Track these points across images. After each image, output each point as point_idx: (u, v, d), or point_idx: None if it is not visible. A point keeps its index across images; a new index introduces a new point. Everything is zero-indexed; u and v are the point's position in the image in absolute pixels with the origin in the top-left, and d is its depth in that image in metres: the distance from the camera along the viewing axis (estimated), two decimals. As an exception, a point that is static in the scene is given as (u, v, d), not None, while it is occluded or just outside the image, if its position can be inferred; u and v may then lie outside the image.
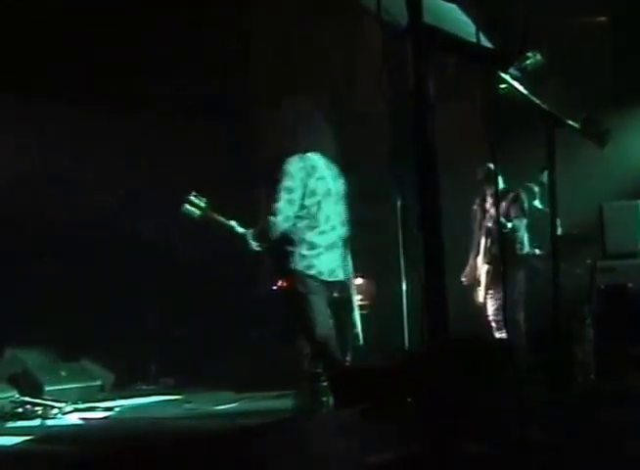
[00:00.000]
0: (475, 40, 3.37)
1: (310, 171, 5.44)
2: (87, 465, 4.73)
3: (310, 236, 5.48)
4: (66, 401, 6.78)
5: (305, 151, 5.47)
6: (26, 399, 6.69)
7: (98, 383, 7.64)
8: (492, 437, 4.12)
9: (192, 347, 8.36)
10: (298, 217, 5.44)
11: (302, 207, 5.43)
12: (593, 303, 6.75)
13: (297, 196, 5.39)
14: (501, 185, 7.22)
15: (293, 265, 5.46)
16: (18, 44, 7.61)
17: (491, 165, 7.10)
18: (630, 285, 6.76)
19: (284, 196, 5.36)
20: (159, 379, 8.49)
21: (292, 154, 5.43)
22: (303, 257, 5.46)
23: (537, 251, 7.45)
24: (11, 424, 6.32)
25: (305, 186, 5.40)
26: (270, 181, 5.61)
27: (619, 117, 7.93)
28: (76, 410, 6.73)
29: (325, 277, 5.55)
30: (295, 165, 5.41)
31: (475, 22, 3.49)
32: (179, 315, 8.58)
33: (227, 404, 7.01)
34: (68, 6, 7.78)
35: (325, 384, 5.75)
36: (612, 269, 7.03)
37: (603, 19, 8.75)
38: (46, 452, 5.20)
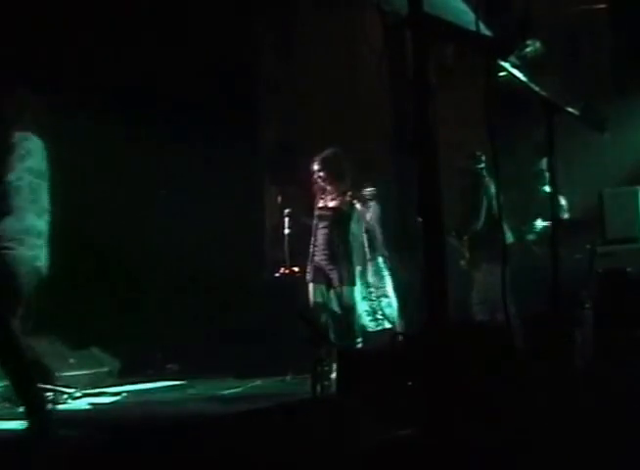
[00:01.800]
0: (474, 29, 3.43)
1: (41, 155, 4.98)
2: (96, 448, 4.84)
3: (39, 224, 4.95)
4: (75, 387, 6.86)
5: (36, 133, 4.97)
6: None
7: (106, 369, 7.73)
8: (491, 421, 4.19)
9: (196, 333, 8.43)
10: (33, 202, 4.87)
11: (32, 190, 4.86)
12: (593, 287, 6.83)
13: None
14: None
15: (19, 253, 4.83)
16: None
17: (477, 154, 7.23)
18: (629, 269, 6.83)
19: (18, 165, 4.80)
20: (164, 365, 8.59)
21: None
22: (32, 246, 4.90)
23: (532, 236, 7.56)
24: (22, 409, 6.38)
25: (30, 167, 4.87)
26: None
27: (619, 103, 7.98)
28: (86, 395, 6.83)
29: (43, 272, 5.02)
30: (34, 143, 4.93)
31: (474, 10, 3.54)
32: (183, 303, 8.65)
33: (230, 389, 7.10)
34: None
35: (327, 368, 5.83)
36: (611, 254, 7.11)
37: (602, 6, 8.78)
38: (56, 436, 5.26)
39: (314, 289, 6.90)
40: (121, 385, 7.38)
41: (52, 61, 7.94)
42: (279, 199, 8.70)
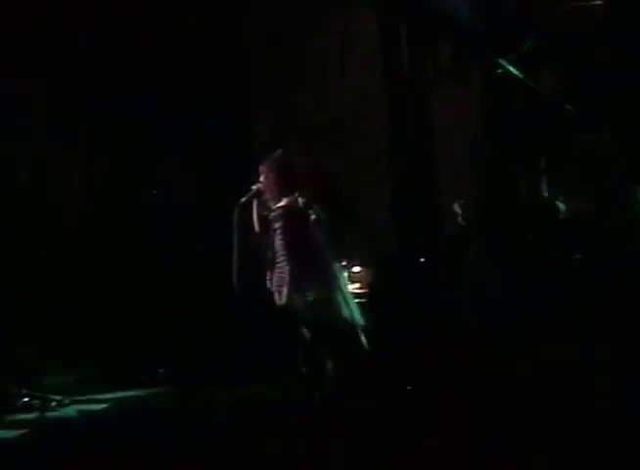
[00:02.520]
0: (471, 25, 3.37)
1: None
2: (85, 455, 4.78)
3: None
4: (64, 394, 6.76)
5: None
6: (25, 391, 6.68)
7: (95, 375, 7.64)
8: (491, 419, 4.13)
9: (188, 337, 8.37)
10: None
11: None
12: None
13: None
14: None
15: None
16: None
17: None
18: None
19: None
20: (155, 370, 8.51)
21: None
22: None
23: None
24: (10, 417, 6.28)
25: None
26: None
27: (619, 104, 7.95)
28: (74, 402, 6.72)
29: None
30: None
31: (471, 8, 3.48)
32: (174, 307, 8.59)
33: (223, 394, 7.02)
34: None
35: (326, 371, 5.76)
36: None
37: (599, 2, 8.72)
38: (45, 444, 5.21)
39: (279, 296, 6.75)
40: (111, 391, 7.29)
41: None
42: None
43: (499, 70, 4.08)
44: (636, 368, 5.72)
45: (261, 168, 6.78)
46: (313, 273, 6.66)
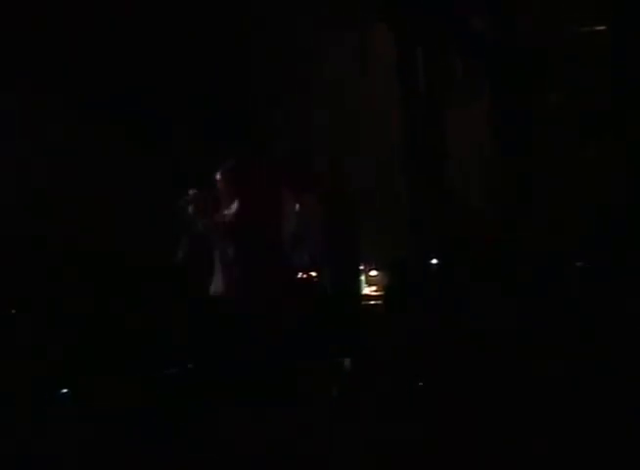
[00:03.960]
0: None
1: None
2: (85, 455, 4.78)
3: None
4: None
5: None
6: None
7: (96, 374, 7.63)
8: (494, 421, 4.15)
9: (186, 337, 8.36)
10: None
11: None
12: None
13: None
14: None
15: None
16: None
17: None
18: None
19: None
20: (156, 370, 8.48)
21: None
22: None
23: None
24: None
25: None
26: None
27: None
28: (74, 402, 6.71)
29: None
30: None
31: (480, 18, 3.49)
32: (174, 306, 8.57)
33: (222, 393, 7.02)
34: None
35: (337, 366, 5.78)
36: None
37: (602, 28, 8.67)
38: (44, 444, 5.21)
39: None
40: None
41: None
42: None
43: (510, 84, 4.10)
44: (636, 368, 5.72)
45: (215, 177, 6.77)
46: (257, 282, 6.67)
